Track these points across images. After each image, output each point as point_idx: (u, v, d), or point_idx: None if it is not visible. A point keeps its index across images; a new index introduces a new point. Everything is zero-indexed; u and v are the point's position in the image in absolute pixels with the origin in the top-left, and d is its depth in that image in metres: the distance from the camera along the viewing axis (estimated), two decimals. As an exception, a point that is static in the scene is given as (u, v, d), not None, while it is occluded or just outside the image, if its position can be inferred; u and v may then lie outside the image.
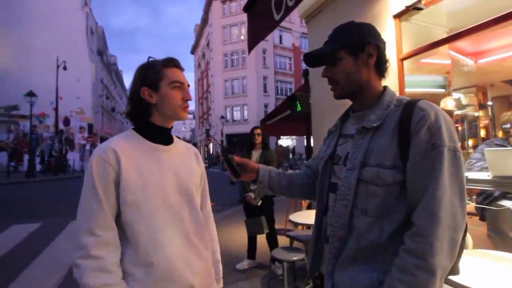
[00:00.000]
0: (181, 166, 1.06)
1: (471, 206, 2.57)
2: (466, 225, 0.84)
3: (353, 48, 0.89)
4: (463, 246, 0.80)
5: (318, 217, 1.02)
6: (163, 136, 1.06)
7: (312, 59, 1.01)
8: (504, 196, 2.28)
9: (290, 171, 1.21)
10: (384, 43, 0.93)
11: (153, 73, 1.01)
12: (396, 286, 0.72)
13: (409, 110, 0.80)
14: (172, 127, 1.10)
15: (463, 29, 2.27)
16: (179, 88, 1.02)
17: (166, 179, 0.99)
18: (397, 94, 0.94)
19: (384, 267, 0.78)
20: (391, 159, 0.79)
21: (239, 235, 4.50)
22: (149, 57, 1.07)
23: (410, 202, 0.77)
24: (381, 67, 0.92)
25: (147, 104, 1.02)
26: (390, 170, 0.79)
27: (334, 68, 0.92)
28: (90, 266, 0.85)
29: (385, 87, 0.94)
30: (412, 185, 0.76)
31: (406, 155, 0.77)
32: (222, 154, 1.12)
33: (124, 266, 0.92)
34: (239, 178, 1.13)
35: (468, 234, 1.65)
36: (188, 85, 1.07)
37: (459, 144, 0.77)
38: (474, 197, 2.72)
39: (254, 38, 3.66)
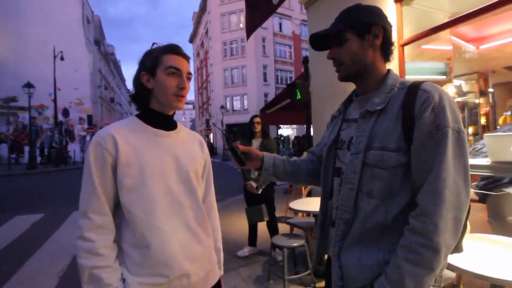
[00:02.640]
0: (182, 152, 1.05)
1: (470, 192, 2.58)
2: (470, 205, 0.84)
3: (359, 28, 0.89)
4: (465, 225, 0.81)
5: (323, 202, 1.03)
6: (164, 122, 1.06)
7: (318, 41, 1.00)
8: None
9: (294, 158, 1.22)
10: (390, 25, 0.92)
11: (152, 58, 1.01)
12: (401, 265, 0.74)
13: (413, 92, 0.81)
14: (174, 114, 1.09)
15: (465, 13, 2.23)
16: (175, 74, 1.00)
17: (166, 164, 0.99)
18: (403, 78, 0.93)
19: (390, 247, 0.80)
20: (395, 141, 0.80)
21: (240, 223, 4.55)
22: (153, 43, 1.07)
23: (414, 183, 0.78)
24: (386, 50, 0.92)
25: (145, 89, 1.03)
26: (394, 153, 0.80)
27: (340, 49, 0.92)
28: (82, 247, 0.89)
29: (388, 70, 0.94)
30: (416, 167, 0.78)
31: (410, 137, 0.78)
32: (226, 142, 1.12)
33: (123, 246, 0.95)
34: (244, 167, 1.13)
35: (466, 219, 1.67)
36: (189, 74, 1.04)
37: (462, 125, 0.77)
38: (474, 183, 2.73)
39: (252, 24, 3.61)
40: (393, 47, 0.94)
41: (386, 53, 0.93)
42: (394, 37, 2.78)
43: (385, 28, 0.90)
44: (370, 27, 0.88)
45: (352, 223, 0.86)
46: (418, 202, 0.75)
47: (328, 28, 0.93)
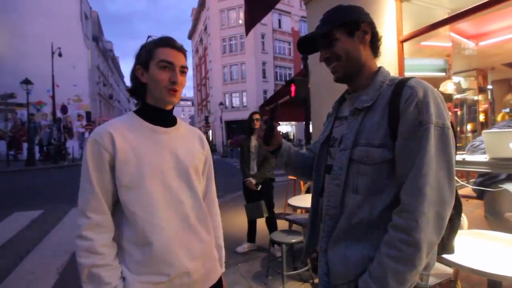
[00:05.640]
0: (182, 148, 1.04)
1: (468, 188, 2.60)
2: (461, 204, 0.84)
3: (348, 26, 0.88)
4: (457, 225, 0.81)
5: (314, 198, 1.04)
6: (162, 118, 1.04)
7: (306, 45, 0.99)
8: (510, 179, 2.28)
9: (302, 151, 1.20)
10: (374, 22, 0.93)
11: (146, 51, 0.99)
12: (384, 261, 0.75)
13: (399, 89, 0.81)
14: (172, 109, 1.08)
15: (465, 9, 2.22)
16: (168, 68, 0.98)
17: (165, 161, 0.98)
18: (394, 75, 0.93)
19: (375, 244, 0.80)
20: (380, 138, 0.80)
21: (239, 219, 4.56)
22: (148, 36, 1.05)
23: (398, 179, 0.78)
24: (375, 45, 0.93)
25: (140, 84, 1.02)
26: (379, 149, 0.80)
27: (331, 49, 0.90)
28: (81, 246, 0.88)
29: (379, 68, 0.94)
30: (400, 163, 0.78)
31: (395, 133, 0.78)
32: (269, 119, 1.04)
33: (123, 244, 0.94)
34: (268, 145, 1.08)
35: (463, 215, 1.68)
36: (184, 68, 1.02)
37: (448, 120, 0.77)
38: (472, 180, 2.74)
39: (251, 20, 3.59)
40: (380, 42, 0.94)
41: (375, 49, 0.93)
42: (394, 33, 2.80)
43: (372, 24, 0.90)
44: (358, 24, 0.88)
45: (338, 219, 0.86)
46: (401, 198, 0.75)
47: (315, 31, 0.92)
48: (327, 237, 0.89)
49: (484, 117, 4.91)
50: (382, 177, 0.80)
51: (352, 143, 0.85)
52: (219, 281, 1.13)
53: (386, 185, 0.80)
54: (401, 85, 0.81)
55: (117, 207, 0.95)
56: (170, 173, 0.99)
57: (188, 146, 1.08)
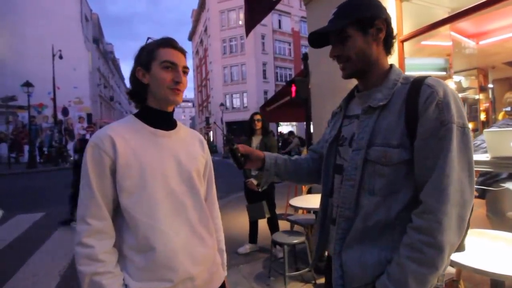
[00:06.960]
0: (183, 152, 1.03)
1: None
2: (473, 203, 0.84)
3: (362, 23, 0.85)
4: (469, 223, 0.81)
5: (323, 199, 1.02)
6: (163, 121, 1.03)
7: (317, 39, 0.96)
8: (511, 178, 2.28)
9: (295, 157, 1.20)
10: (390, 17, 0.89)
11: (147, 53, 0.98)
12: (404, 263, 0.73)
13: (417, 88, 0.79)
14: (173, 111, 1.07)
15: (465, 8, 2.22)
16: (171, 69, 0.97)
17: (166, 165, 0.97)
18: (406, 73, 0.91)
19: (392, 246, 0.78)
20: (398, 137, 0.78)
21: (241, 220, 4.56)
22: (148, 38, 1.04)
23: (418, 180, 0.76)
24: (389, 43, 0.90)
25: (142, 85, 1.00)
26: (397, 149, 0.78)
27: (342, 47, 0.88)
28: (81, 254, 0.85)
29: (391, 65, 0.92)
30: (420, 163, 0.76)
31: (413, 133, 0.76)
32: (226, 144, 1.11)
33: (125, 251, 0.92)
34: (242, 168, 1.13)
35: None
36: (186, 68, 1.01)
37: (467, 120, 0.76)
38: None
39: (251, 21, 3.59)
40: (394, 40, 0.91)
41: (388, 47, 0.90)
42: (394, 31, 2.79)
43: (388, 20, 0.87)
44: (373, 21, 0.85)
45: (353, 221, 0.84)
46: (422, 199, 0.74)
47: (329, 26, 0.89)
48: (341, 239, 0.87)
49: (485, 116, 4.90)
50: (399, 178, 0.79)
51: (367, 142, 0.82)
52: (223, 286, 1.12)
53: (402, 186, 0.79)
54: (418, 84, 0.79)
55: (117, 213, 0.93)
56: (172, 176, 0.97)
57: (189, 149, 1.07)
